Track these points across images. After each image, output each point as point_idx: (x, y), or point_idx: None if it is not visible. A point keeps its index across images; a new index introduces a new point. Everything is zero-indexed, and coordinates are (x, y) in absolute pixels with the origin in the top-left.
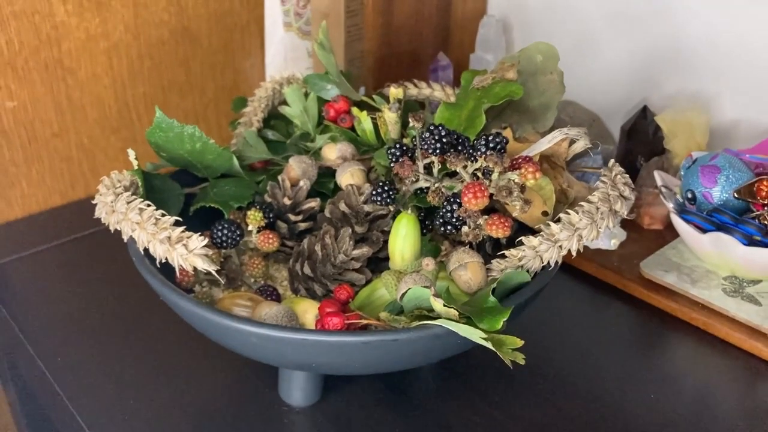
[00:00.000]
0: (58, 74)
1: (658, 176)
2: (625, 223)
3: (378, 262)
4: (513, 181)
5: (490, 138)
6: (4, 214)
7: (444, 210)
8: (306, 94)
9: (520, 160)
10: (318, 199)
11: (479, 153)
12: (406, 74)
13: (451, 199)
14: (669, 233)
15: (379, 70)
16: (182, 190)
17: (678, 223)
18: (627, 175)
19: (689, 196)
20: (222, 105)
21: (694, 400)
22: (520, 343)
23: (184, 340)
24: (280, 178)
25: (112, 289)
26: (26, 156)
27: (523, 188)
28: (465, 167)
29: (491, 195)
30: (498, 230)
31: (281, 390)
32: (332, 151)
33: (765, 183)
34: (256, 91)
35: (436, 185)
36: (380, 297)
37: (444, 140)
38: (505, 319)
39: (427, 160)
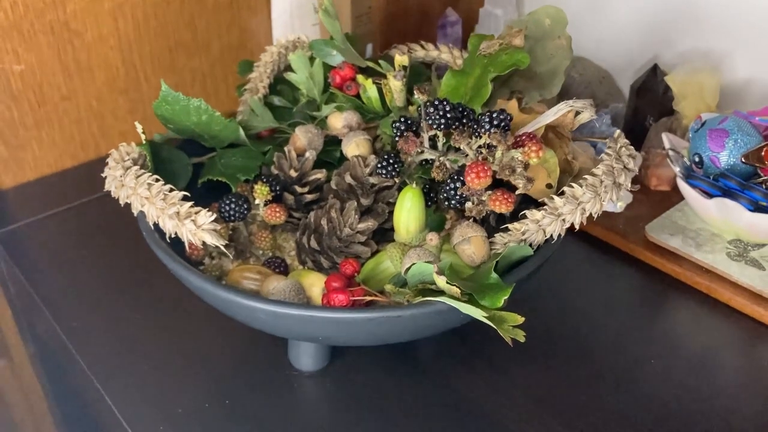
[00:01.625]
0: (65, 37)
1: (666, 138)
2: (631, 185)
3: (384, 233)
4: (516, 158)
5: (494, 115)
6: (17, 177)
7: (447, 187)
8: (311, 60)
9: (524, 137)
10: (324, 171)
11: (483, 130)
12: (414, 30)
13: (455, 177)
14: (676, 194)
15: (387, 26)
16: (190, 160)
17: (684, 188)
18: (632, 147)
19: (696, 159)
20: (229, 63)
21: (694, 363)
22: (520, 320)
23: (195, 305)
24: (286, 148)
25: (124, 252)
26: (36, 119)
27: (526, 166)
28: (469, 144)
29: (494, 173)
30: (501, 206)
31: (290, 356)
32: (338, 120)
33: None
34: (261, 56)
35: (441, 159)
36: (385, 269)
37: (449, 115)
38: (506, 297)
39: (431, 133)
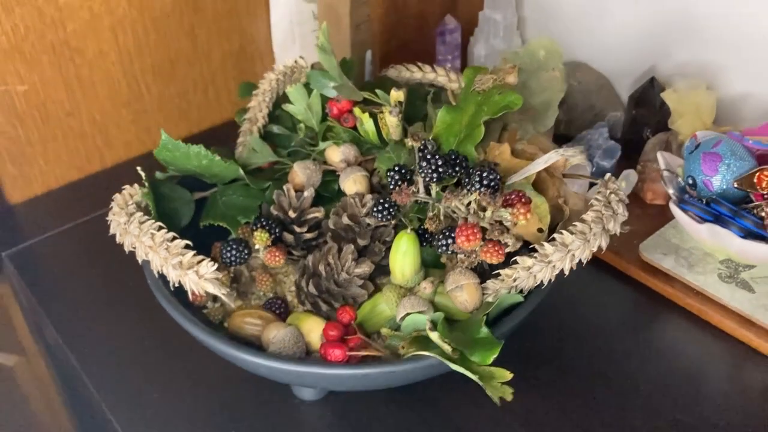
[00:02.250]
0: (66, 55)
1: (662, 158)
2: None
3: (381, 268)
4: (505, 218)
5: (485, 174)
6: (25, 192)
7: (440, 243)
8: (309, 91)
9: (513, 197)
10: (322, 210)
11: (474, 188)
12: (414, 38)
13: (446, 233)
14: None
15: (386, 34)
16: (192, 196)
17: (676, 212)
18: (621, 192)
19: (690, 182)
20: (230, 69)
21: (683, 383)
22: (508, 376)
23: None
24: (285, 187)
25: (134, 269)
26: (41, 136)
27: (515, 224)
28: (461, 201)
29: (484, 230)
30: (493, 257)
31: (293, 387)
32: (336, 154)
33: (766, 173)
34: (260, 83)
35: (433, 212)
36: (382, 312)
37: (440, 170)
38: (495, 356)
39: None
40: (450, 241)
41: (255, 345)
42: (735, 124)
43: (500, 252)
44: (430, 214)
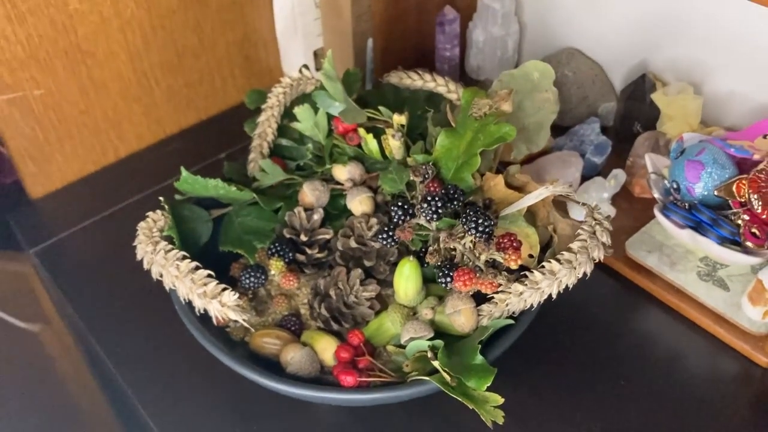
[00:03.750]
0: (78, 58)
1: (649, 160)
2: (614, 195)
3: (384, 286)
4: (497, 260)
5: (480, 222)
6: (45, 187)
7: (439, 279)
8: (316, 110)
9: (505, 241)
10: (331, 231)
11: (470, 231)
12: (414, 28)
13: (446, 271)
14: None
15: (387, 25)
16: (210, 216)
17: (660, 217)
18: (606, 221)
19: (675, 186)
20: (234, 58)
21: (661, 373)
22: (501, 400)
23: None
24: (296, 210)
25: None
26: (58, 135)
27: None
28: (458, 241)
29: (479, 269)
30: (487, 289)
31: None
32: (342, 173)
33: (744, 182)
34: (269, 96)
35: (434, 248)
36: (387, 330)
37: (440, 211)
38: (488, 384)
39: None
40: (449, 279)
41: (274, 362)
42: (721, 120)
43: (494, 285)
44: (431, 249)
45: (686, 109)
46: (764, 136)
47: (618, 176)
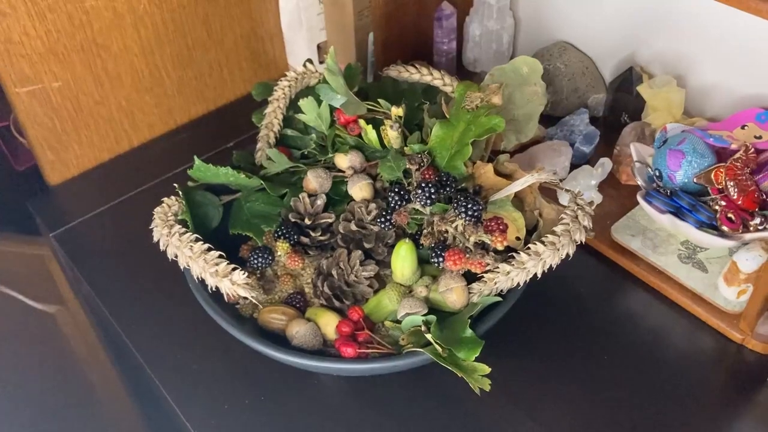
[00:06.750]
0: (94, 52)
1: (634, 150)
2: (602, 182)
3: (383, 266)
4: (485, 242)
5: (469, 206)
6: (63, 174)
7: (432, 259)
8: (319, 102)
9: (492, 224)
10: (333, 215)
11: (461, 215)
12: (412, 22)
13: (438, 252)
14: None
15: (387, 20)
16: (220, 201)
17: (643, 203)
18: (588, 207)
19: (657, 174)
20: (242, 51)
21: (644, 350)
22: (488, 370)
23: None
24: (300, 195)
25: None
26: (75, 125)
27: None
28: (450, 225)
29: (469, 249)
30: (476, 269)
31: None
32: (343, 161)
33: (721, 170)
34: (274, 89)
35: (428, 231)
36: (385, 306)
37: (433, 197)
38: (477, 354)
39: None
40: (441, 259)
41: (281, 336)
42: (703, 111)
43: (482, 265)
44: (425, 231)
45: (670, 101)
46: (742, 127)
47: (604, 164)
